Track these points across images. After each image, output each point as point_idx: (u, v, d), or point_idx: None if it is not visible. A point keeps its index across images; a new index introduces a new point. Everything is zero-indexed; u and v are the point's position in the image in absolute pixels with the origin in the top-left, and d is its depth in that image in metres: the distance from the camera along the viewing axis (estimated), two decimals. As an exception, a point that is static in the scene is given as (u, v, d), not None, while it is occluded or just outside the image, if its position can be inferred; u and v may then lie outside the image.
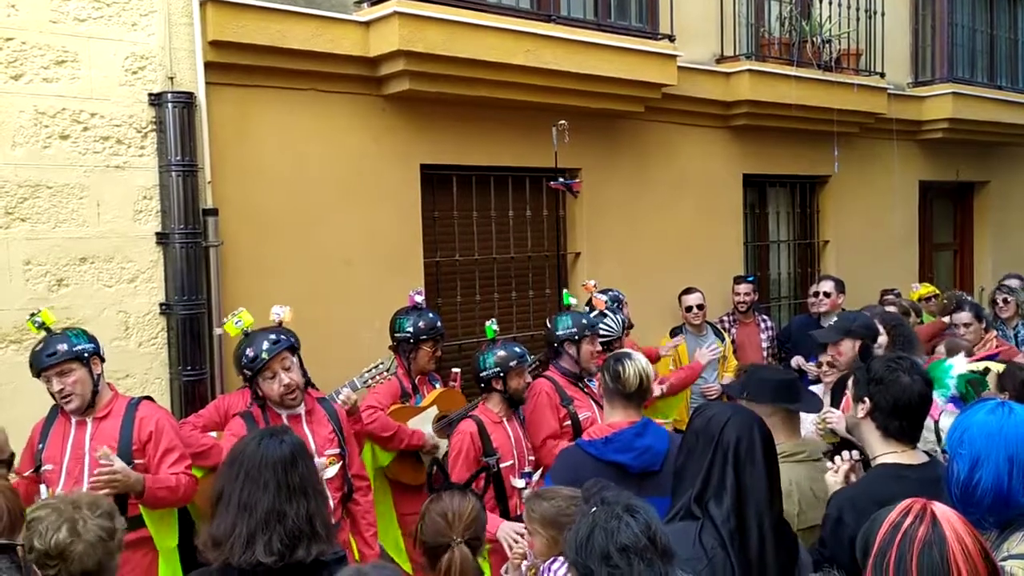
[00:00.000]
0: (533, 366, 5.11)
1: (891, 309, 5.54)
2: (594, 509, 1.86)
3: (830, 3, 7.40)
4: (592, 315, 4.92)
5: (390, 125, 5.31)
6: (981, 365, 3.44)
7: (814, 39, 7.25)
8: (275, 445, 2.25)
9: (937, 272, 9.67)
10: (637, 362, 3.20)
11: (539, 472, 4.07)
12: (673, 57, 6.18)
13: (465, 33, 5.08)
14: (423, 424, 4.41)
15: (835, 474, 2.66)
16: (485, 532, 2.52)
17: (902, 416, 2.56)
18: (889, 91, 7.96)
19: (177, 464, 3.46)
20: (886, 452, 2.57)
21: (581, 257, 6.36)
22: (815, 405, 3.14)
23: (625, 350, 3.53)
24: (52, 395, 3.39)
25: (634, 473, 3.02)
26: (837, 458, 2.70)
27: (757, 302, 6.95)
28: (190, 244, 4.39)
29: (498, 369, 4.15)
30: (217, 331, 4.52)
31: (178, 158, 4.35)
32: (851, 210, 8.31)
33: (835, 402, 3.83)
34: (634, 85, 6.05)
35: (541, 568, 2.54)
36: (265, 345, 3.54)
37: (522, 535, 3.05)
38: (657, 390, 4.73)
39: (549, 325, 4.73)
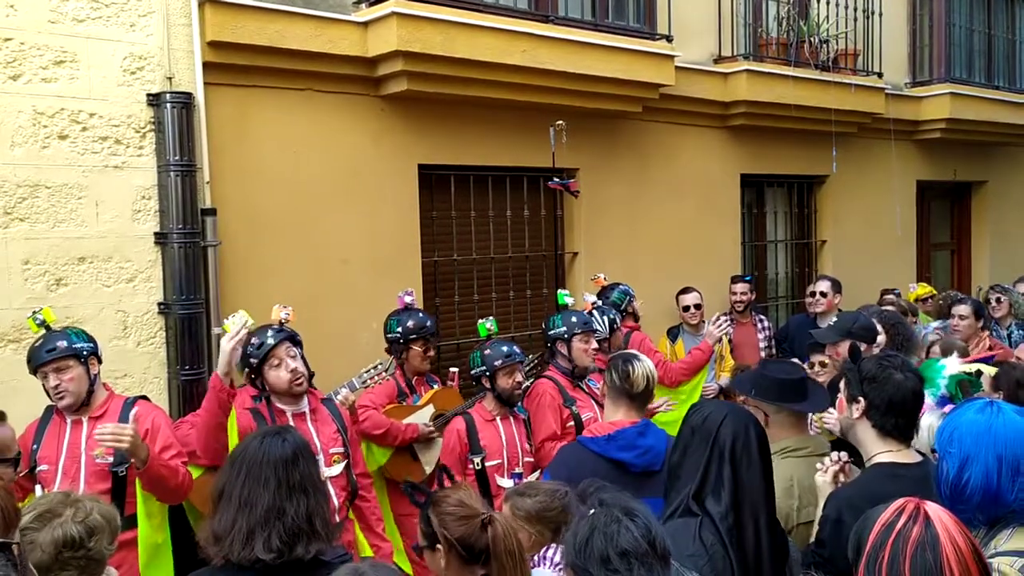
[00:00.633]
0: (531, 365, 5.13)
1: (889, 309, 5.55)
2: (592, 511, 1.85)
3: (828, 3, 7.41)
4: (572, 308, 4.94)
5: (388, 125, 5.32)
6: (974, 367, 3.44)
7: (812, 39, 7.26)
8: (277, 443, 2.26)
9: (935, 272, 9.68)
10: (645, 364, 3.24)
11: (535, 474, 4.08)
12: (671, 57, 6.19)
13: (463, 33, 5.09)
14: (419, 421, 4.42)
15: (824, 474, 2.67)
16: None
17: (897, 414, 2.57)
18: (887, 91, 7.97)
19: (174, 460, 3.47)
20: (881, 451, 2.58)
21: (579, 257, 6.37)
22: (823, 402, 3.14)
23: (632, 351, 3.55)
24: (47, 391, 3.40)
25: (635, 472, 3.03)
26: (827, 459, 2.71)
27: (755, 302, 6.96)
28: (188, 244, 4.40)
29: (484, 368, 4.17)
30: (216, 331, 4.53)
31: (176, 158, 4.36)
32: (849, 210, 8.32)
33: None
34: (632, 85, 6.06)
35: (535, 558, 2.54)
36: (270, 333, 3.62)
37: None
38: (665, 407, 4.78)
39: (545, 326, 4.76)
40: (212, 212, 4.52)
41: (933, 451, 2.34)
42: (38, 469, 3.37)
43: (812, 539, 2.60)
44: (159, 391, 4.40)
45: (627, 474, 3.00)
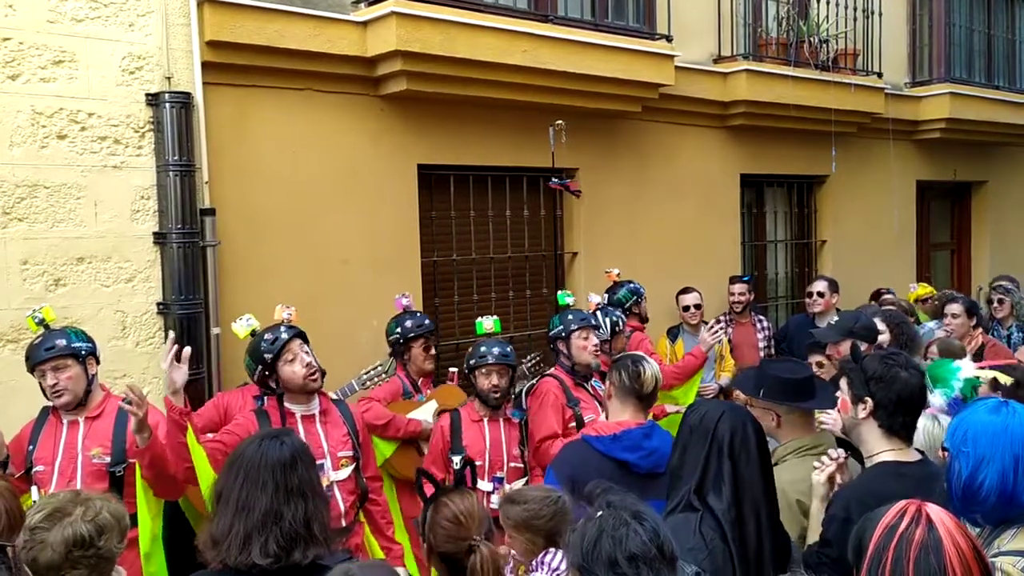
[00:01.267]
0: (532, 363, 5.11)
1: (891, 308, 5.54)
2: (600, 513, 1.84)
3: (827, 3, 7.40)
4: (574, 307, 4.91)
5: (387, 125, 5.32)
6: (990, 374, 3.43)
7: (811, 39, 7.25)
8: (275, 447, 2.24)
9: (935, 272, 9.68)
10: (653, 365, 3.24)
11: (520, 480, 4.05)
12: (670, 57, 6.19)
13: (462, 33, 5.08)
14: (423, 416, 4.42)
15: (820, 473, 2.66)
16: (492, 522, 2.50)
17: (905, 412, 2.57)
18: (886, 91, 7.97)
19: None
20: (885, 450, 2.57)
21: (578, 257, 6.36)
22: (831, 398, 3.13)
23: (639, 353, 3.54)
24: (43, 390, 3.39)
25: (639, 473, 3.02)
26: (824, 458, 2.70)
27: (755, 302, 6.96)
28: (187, 244, 4.40)
29: (466, 367, 4.15)
30: (215, 331, 4.53)
31: (175, 158, 4.36)
32: (848, 210, 8.32)
33: None
34: (631, 85, 6.06)
35: (534, 563, 2.52)
36: (282, 328, 3.57)
37: None
38: (672, 409, 4.76)
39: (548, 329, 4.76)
40: (211, 212, 4.52)
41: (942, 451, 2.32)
42: (34, 470, 3.35)
43: (814, 539, 2.58)
44: (158, 391, 4.39)
45: (631, 475, 2.98)
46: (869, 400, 2.58)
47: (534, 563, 2.50)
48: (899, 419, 2.56)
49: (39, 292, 4.08)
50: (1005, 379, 3.42)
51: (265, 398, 4.01)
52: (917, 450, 2.66)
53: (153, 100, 4.36)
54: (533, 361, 5.12)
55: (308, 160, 4.99)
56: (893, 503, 1.65)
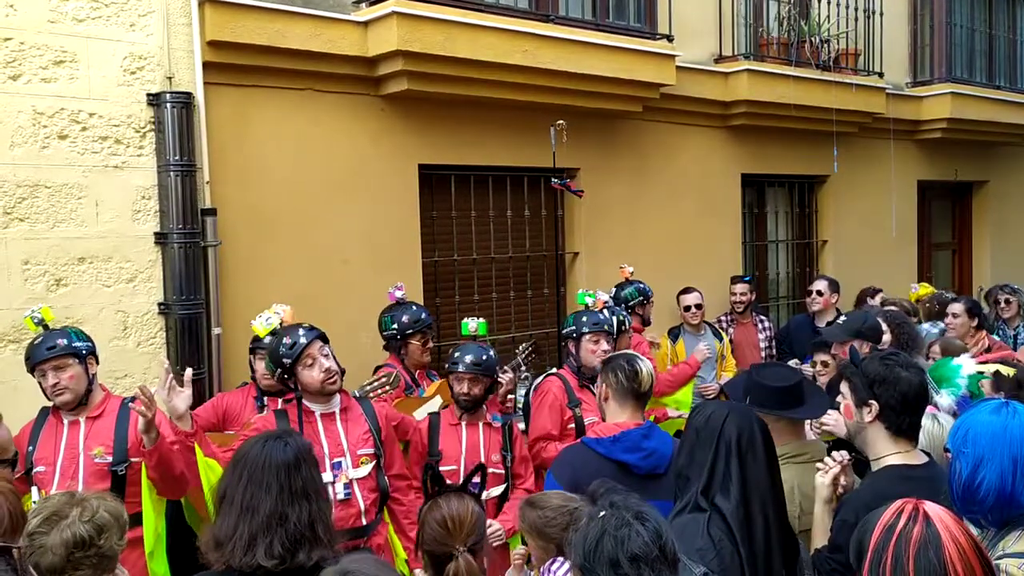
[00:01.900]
0: (525, 354, 5.07)
1: (892, 308, 5.53)
2: (603, 513, 1.84)
3: (828, 3, 7.40)
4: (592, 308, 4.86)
5: (388, 125, 5.32)
6: (991, 367, 3.42)
7: (812, 39, 7.25)
8: (279, 448, 2.23)
9: (936, 272, 9.67)
10: (647, 362, 3.23)
11: (501, 486, 3.98)
12: (671, 57, 6.19)
13: (463, 33, 5.08)
14: (429, 412, 4.41)
15: (823, 476, 2.65)
16: (486, 532, 2.51)
17: (911, 412, 2.57)
18: (888, 91, 7.97)
19: None
20: (892, 453, 2.56)
21: (579, 257, 6.36)
22: (821, 405, 3.11)
23: (631, 352, 3.52)
24: (44, 390, 3.38)
25: (639, 474, 3.01)
26: (828, 459, 2.69)
27: (756, 302, 6.95)
28: (188, 244, 4.40)
29: (445, 368, 4.09)
30: (216, 331, 4.53)
31: (176, 158, 4.36)
32: (849, 210, 8.31)
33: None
34: (632, 85, 6.06)
35: (541, 570, 2.53)
36: (301, 332, 3.50)
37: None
38: (674, 414, 4.73)
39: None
40: (212, 212, 4.52)
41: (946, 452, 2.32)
42: (35, 470, 3.34)
43: (821, 545, 2.57)
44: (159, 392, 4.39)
45: (631, 476, 2.98)
46: (874, 403, 2.57)
47: (542, 570, 2.51)
48: (905, 420, 2.56)
49: (40, 292, 4.08)
50: (1007, 370, 3.42)
51: (265, 399, 4.01)
52: (923, 452, 2.65)
53: (154, 100, 4.36)
54: (527, 352, 5.07)
55: (309, 160, 4.99)
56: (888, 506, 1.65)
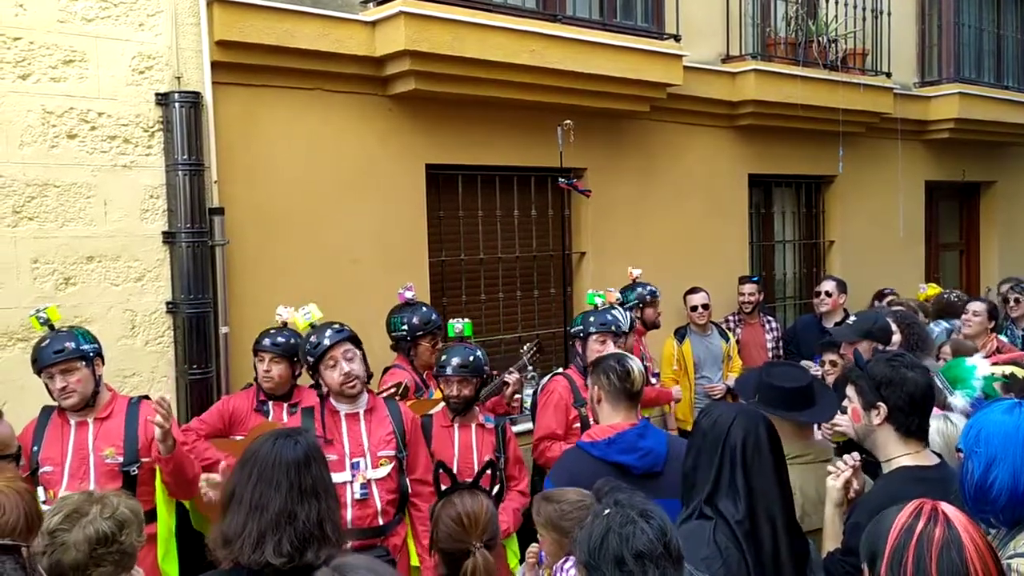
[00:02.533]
0: (530, 353, 5.05)
1: (901, 308, 5.50)
2: (607, 511, 1.84)
3: (836, 3, 7.38)
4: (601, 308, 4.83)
5: (396, 125, 5.32)
6: (1007, 369, 3.41)
7: (820, 39, 7.24)
8: (289, 446, 2.24)
9: (943, 273, 9.64)
10: (636, 360, 3.20)
11: (495, 489, 3.98)
12: (679, 57, 6.18)
13: (471, 33, 5.08)
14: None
15: (835, 479, 2.64)
16: (499, 529, 2.51)
17: (919, 413, 2.56)
18: (895, 91, 7.94)
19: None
20: (903, 454, 2.55)
21: (586, 257, 6.36)
22: (831, 407, 3.10)
23: (619, 352, 3.50)
24: (50, 392, 3.38)
25: (636, 475, 3.00)
26: (840, 462, 2.68)
27: (762, 302, 6.94)
28: (196, 243, 4.41)
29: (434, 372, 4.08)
30: (223, 330, 4.53)
31: (185, 157, 4.37)
32: (857, 210, 8.29)
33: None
34: (639, 85, 6.05)
35: (554, 568, 2.53)
36: (328, 332, 3.54)
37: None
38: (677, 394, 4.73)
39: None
40: (220, 211, 4.53)
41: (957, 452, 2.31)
42: (41, 471, 3.33)
43: (833, 547, 2.56)
44: (167, 390, 4.40)
45: (629, 477, 2.95)
46: (882, 405, 2.56)
47: (555, 568, 2.51)
48: (914, 421, 2.55)
49: (49, 291, 4.10)
50: (1021, 372, 3.40)
51: (270, 403, 4.02)
52: (935, 453, 2.64)
53: (163, 100, 4.38)
54: (531, 352, 5.06)
55: (317, 160, 5.00)
56: (902, 506, 1.64)
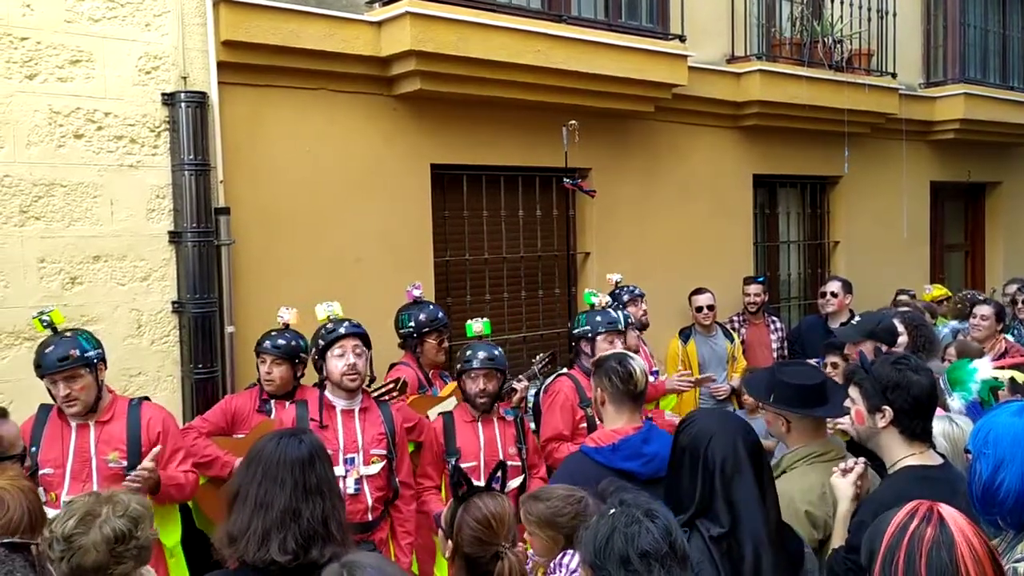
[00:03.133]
0: (542, 364, 5.08)
1: (907, 309, 5.48)
2: (613, 511, 1.84)
3: (842, 3, 7.38)
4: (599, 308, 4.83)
5: (401, 125, 5.33)
6: (1008, 374, 3.39)
7: (825, 39, 7.23)
8: (294, 445, 2.25)
9: (949, 273, 9.63)
10: (637, 360, 3.16)
11: (519, 478, 4.02)
12: (684, 57, 6.18)
13: (476, 33, 5.09)
14: (444, 411, 4.41)
15: (842, 478, 2.63)
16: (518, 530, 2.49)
17: (924, 415, 2.56)
18: (900, 91, 7.93)
19: (184, 463, 3.54)
20: (908, 455, 2.55)
21: (591, 257, 6.36)
22: (844, 406, 3.09)
23: (620, 352, 3.49)
24: (53, 397, 3.36)
25: (641, 480, 2.97)
26: (846, 462, 2.68)
27: (767, 303, 6.94)
28: (202, 243, 4.42)
29: (456, 371, 4.13)
30: (229, 329, 4.54)
31: (191, 157, 4.38)
32: (861, 211, 8.28)
33: None
34: (644, 85, 6.05)
35: (552, 565, 2.52)
36: (346, 324, 3.73)
37: None
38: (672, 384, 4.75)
39: (570, 325, 4.71)
40: (226, 211, 4.54)
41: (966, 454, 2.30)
42: (41, 472, 3.30)
43: (839, 545, 2.56)
44: (172, 389, 4.42)
45: (633, 483, 2.93)
46: (888, 409, 2.55)
47: (552, 565, 2.49)
48: (919, 424, 2.55)
49: (56, 290, 4.11)
50: (1022, 377, 3.39)
51: (272, 402, 4.04)
52: (939, 454, 2.64)
53: (169, 100, 4.39)
54: (543, 363, 5.08)
55: (322, 159, 5.00)
56: (898, 506, 1.65)
